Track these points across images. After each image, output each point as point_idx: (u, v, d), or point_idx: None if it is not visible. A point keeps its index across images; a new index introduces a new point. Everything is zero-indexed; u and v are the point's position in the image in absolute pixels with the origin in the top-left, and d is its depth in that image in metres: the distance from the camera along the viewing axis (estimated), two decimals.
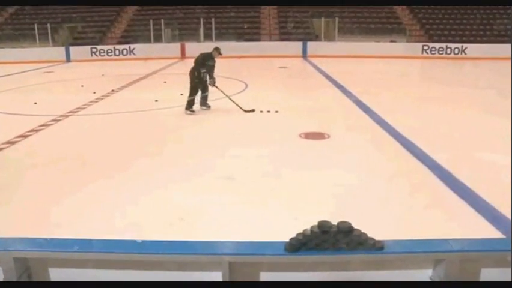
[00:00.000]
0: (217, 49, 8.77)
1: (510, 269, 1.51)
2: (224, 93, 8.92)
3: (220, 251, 1.54)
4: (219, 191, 4.59)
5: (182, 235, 3.32)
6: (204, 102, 8.85)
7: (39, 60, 19.58)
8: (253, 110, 8.57)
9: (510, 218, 3.66)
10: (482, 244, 1.60)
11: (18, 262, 1.55)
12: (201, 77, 8.54)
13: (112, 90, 11.50)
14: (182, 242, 1.58)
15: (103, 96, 10.73)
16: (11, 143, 6.53)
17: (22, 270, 1.56)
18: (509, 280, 1.52)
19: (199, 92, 8.68)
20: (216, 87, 8.73)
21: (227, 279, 1.51)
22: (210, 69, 8.63)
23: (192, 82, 8.61)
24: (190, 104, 8.60)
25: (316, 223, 1.52)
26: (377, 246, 1.48)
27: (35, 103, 9.84)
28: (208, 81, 8.67)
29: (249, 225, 3.80)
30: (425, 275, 1.59)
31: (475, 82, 13.68)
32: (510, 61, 14.01)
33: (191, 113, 8.56)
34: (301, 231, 1.53)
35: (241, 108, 8.59)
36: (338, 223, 1.48)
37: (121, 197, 4.48)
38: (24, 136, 6.91)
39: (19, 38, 22.81)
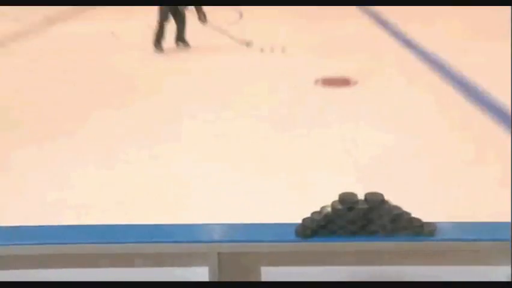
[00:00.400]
0: None
1: None
2: (214, 27, 8.88)
3: (207, 238, 1.51)
4: (203, 158, 4.60)
5: (154, 217, 3.36)
6: (180, 37, 8.82)
7: None
8: (250, 43, 8.61)
9: None
10: None
11: None
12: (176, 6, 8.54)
13: (45, 19, 11.38)
14: (153, 226, 1.57)
15: (32, 26, 10.63)
16: None
17: None
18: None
19: (172, 22, 8.68)
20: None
21: (216, 277, 1.49)
22: None
23: (161, 8, 8.58)
24: (158, 38, 8.59)
25: (337, 197, 1.50)
26: (426, 230, 1.45)
27: None
28: (197, 17, 8.67)
29: (246, 203, 3.79)
30: (498, 273, 1.52)
31: None
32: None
33: (160, 51, 8.58)
34: (317, 209, 1.50)
35: (238, 41, 8.63)
36: (367, 195, 1.44)
37: (66, 166, 4.47)
38: None
39: None
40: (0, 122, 5.61)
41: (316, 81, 6.63)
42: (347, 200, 1.46)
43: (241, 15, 11.77)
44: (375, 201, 1.45)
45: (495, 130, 5.03)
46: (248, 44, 8.64)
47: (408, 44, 8.61)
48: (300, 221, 1.51)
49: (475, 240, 1.50)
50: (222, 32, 8.76)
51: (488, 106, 5.60)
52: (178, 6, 8.48)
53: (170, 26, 8.69)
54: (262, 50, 8.47)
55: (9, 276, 1.59)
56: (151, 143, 4.95)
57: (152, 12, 8.70)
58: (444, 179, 4.15)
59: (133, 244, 1.51)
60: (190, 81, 7.09)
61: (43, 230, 1.61)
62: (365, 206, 1.45)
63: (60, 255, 1.56)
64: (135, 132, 5.29)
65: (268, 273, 1.56)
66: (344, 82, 6.60)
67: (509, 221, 1.58)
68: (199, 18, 8.67)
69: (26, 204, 3.87)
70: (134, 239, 1.53)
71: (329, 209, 1.47)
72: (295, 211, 1.58)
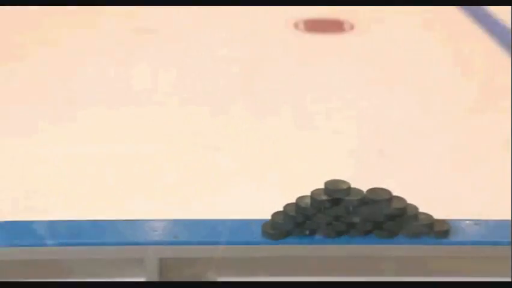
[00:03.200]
0: None
1: None
2: None
3: (143, 239, 1.27)
4: (139, 130, 4.19)
5: (71, 212, 3.01)
6: None
7: None
8: None
9: None
10: None
11: None
12: None
13: None
14: (68, 222, 1.32)
15: None
16: None
17: None
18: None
19: None
20: None
21: None
22: None
23: None
24: None
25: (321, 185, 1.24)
26: (437, 231, 1.21)
27: None
28: None
29: (194, 192, 3.32)
30: None
31: None
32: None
33: None
34: (292, 200, 1.23)
35: None
36: (367, 191, 1.21)
37: None
38: None
39: None
40: None
41: (296, 24, 6.10)
42: (333, 189, 1.21)
43: None
44: (375, 194, 1.23)
45: None
46: None
47: None
48: (268, 217, 1.26)
49: (495, 242, 1.32)
50: None
51: None
52: None
53: None
54: None
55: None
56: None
57: None
58: (450, 166, 3.83)
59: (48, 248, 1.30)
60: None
61: None
62: (358, 197, 1.20)
63: None
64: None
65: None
66: (334, 26, 6.13)
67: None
68: None
69: None
70: (51, 240, 1.29)
71: (308, 202, 1.22)
72: (262, 203, 1.37)
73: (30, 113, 3.84)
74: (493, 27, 5.38)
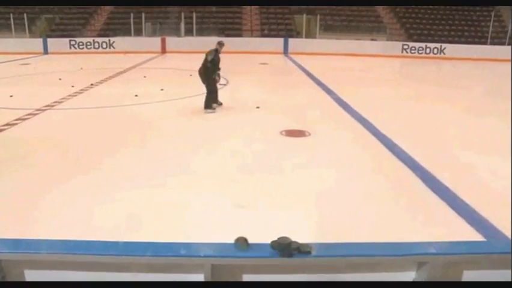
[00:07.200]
0: (220, 43, 8.64)
1: (490, 271, 1.53)
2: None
3: (203, 253, 1.51)
4: (195, 191, 4.53)
5: (162, 236, 3.25)
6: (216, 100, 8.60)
7: (15, 52, 19.12)
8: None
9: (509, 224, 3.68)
10: (465, 247, 1.62)
11: None
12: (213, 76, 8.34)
13: (91, 84, 11.32)
14: (163, 243, 1.55)
15: (81, 90, 10.54)
16: None
17: None
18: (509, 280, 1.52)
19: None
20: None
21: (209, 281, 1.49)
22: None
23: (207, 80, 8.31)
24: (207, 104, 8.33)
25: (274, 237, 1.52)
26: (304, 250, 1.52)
27: (11, 96, 9.62)
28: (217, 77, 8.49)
29: (230, 225, 3.73)
30: (407, 277, 1.58)
31: (453, 82, 13.91)
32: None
33: (212, 111, 8.28)
34: (281, 234, 1.52)
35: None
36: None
37: (98, 195, 4.39)
38: None
39: None
40: (54, 159, 5.57)
41: (281, 132, 6.66)
42: (281, 242, 1.51)
43: (227, 82, 11.74)
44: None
45: (406, 172, 5.14)
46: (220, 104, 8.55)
47: (345, 107, 8.75)
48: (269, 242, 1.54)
49: (392, 255, 1.56)
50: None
51: (401, 156, 5.70)
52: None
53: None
54: (241, 108, 8.45)
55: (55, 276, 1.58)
56: (158, 174, 4.94)
57: (164, 79, 8.65)
58: (370, 210, 4.16)
59: (152, 257, 1.51)
60: (188, 129, 7.11)
61: (84, 244, 1.59)
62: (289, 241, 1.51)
63: (93, 262, 1.55)
64: (148, 165, 5.23)
65: (248, 279, 1.56)
66: (300, 133, 6.65)
67: (413, 241, 1.64)
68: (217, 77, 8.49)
69: (72, 220, 3.84)
70: (153, 253, 1.53)
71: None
72: (265, 234, 1.58)
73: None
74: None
